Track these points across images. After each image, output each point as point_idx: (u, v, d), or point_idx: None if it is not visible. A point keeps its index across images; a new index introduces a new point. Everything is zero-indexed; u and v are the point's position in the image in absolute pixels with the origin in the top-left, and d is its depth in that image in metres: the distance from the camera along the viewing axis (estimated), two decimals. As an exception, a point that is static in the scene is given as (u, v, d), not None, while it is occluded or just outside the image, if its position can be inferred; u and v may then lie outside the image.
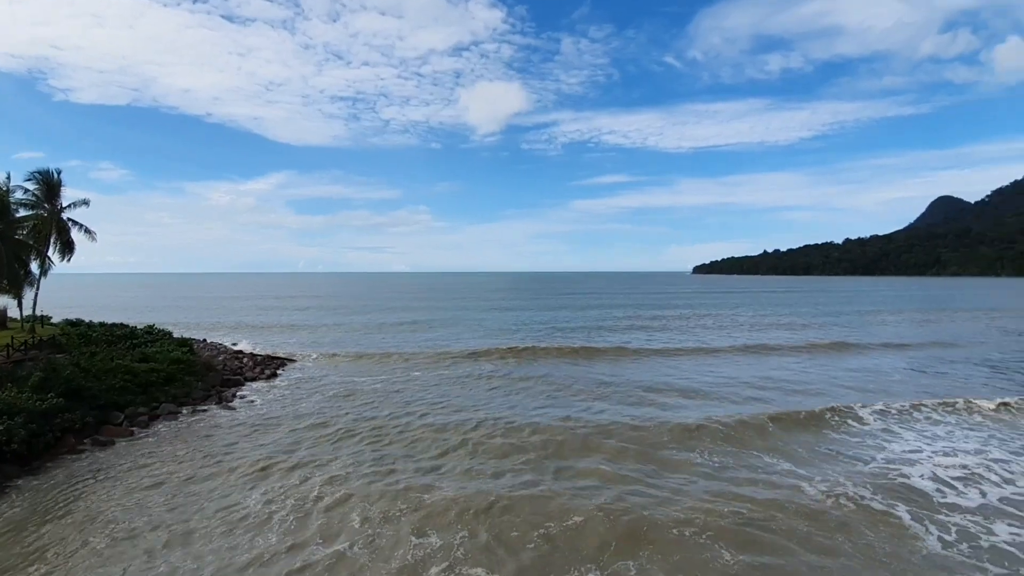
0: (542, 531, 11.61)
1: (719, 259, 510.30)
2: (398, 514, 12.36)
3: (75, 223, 31.12)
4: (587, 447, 16.89)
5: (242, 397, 24.25)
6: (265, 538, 11.48)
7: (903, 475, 14.68)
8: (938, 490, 13.87)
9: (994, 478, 14.70)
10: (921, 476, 14.64)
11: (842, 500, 13.05)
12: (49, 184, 29.87)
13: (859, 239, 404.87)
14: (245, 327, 53.08)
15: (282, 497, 13.44)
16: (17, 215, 29.14)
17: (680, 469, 15.27)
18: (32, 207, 29.83)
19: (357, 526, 11.93)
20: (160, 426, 19.86)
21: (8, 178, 28.72)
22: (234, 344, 39.81)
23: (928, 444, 17.31)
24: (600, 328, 52.52)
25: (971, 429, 19.07)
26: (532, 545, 11.15)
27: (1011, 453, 16.63)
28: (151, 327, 33.82)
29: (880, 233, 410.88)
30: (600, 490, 13.77)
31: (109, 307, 74.73)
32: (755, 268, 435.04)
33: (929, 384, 26.56)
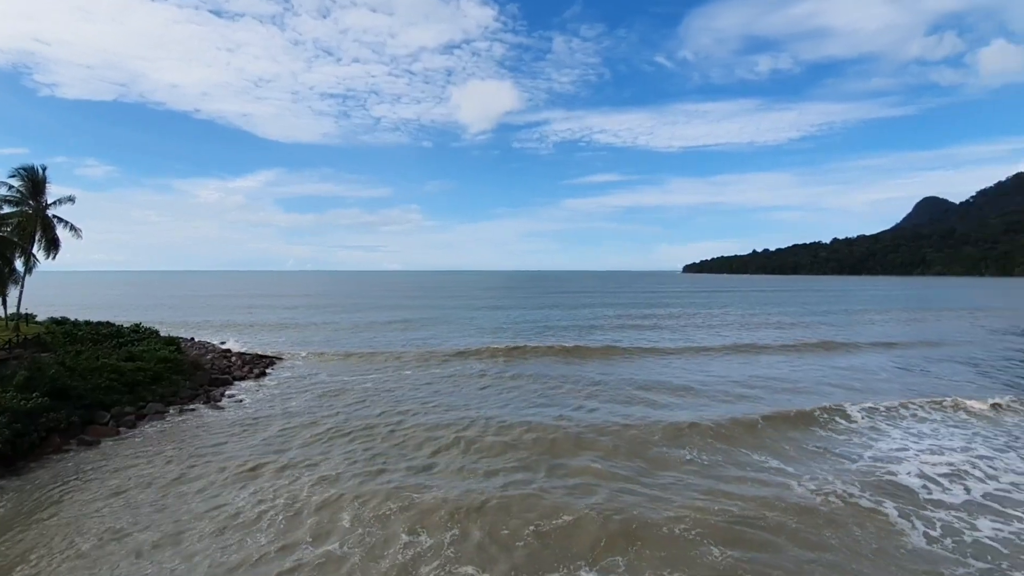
0: (534, 529, 11.63)
1: (709, 258, 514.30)
2: (389, 514, 12.31)
3: (60, 220, 30.62)
4: (579, 446, 16.93)
5: (230, 396, 24.03)
6: (255, 538, 11.39)
7: (890, 472, 14.87)
8: (924, 487, 14.07)
9: (978, 474, 14.94)
10: (908, 473, 14.84)
11: (831, 498, 13.19)
12: (34, 181, 29.36)
13: (846, 239, 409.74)
14: (233, 326, 52.59)
15: (272, 497, 13.34)
16: (1, 212, 28.64)
17: (671, 468, 15.35)
18: (16, 204, 29.31)
19: (348, 526, 11.87)
20: (147, 426, 19.63)
21: (-9, 174, 28.19)
22: (222, 343, 39.44)
23: (915, 442, 17.54)
24: (591, 327, 52.65)
25: (956, 427, 19.35)
26: (523, 544, 11.16)
27: (995, 450, 16.90)
28: (138, 326, 33.40)
29: (867, 233, 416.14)
30: (592, 489, 13.80)
31: (95, 305, 73.76)
32: (744, 267, 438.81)
33: (916, 383, 26.91)
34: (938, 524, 12.12)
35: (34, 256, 29.92)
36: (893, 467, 15.32)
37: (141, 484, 14.28)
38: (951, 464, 15.55)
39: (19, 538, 11.48)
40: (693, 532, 11.44)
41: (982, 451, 16.75)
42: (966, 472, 15.03)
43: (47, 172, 29.90)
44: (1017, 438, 18.23)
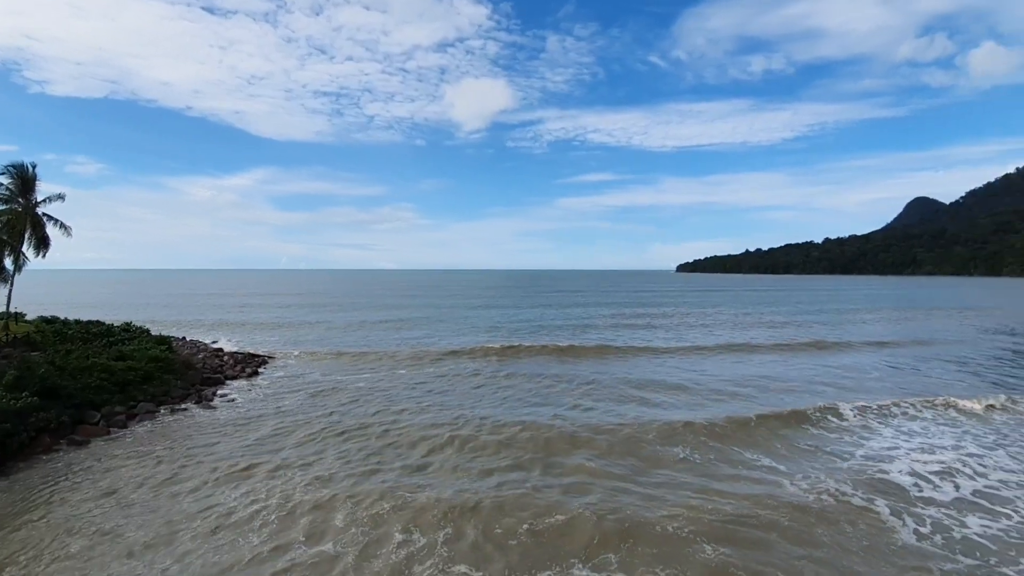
0: (528, 528, 11.64)
1: (702, 258, 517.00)
2: (383, 513, 12.28)
3: (50, 218, 30.32)
4: (573, 445, 16.96)
5: (223, 396, 23.87)
6: (248, 538, 11.32)
7: (882, 471, 15.00)
8: (915, 484, 14.20)
9: (968, 472, 15.11)
10: (899, 471, 14.97)
11: (823, 496, 13.29)
12: (24, 178, 29.06)
13: (838, 239, 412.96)
14: (226, 324, 52.27)
15: (265, 497, 13.27)
16: (-10, 210, 28.31)
17: (665, 467, 15.41)
18: (6, 202, 28.99)
19: (342, 526, 11.83)
20: (138, 426, 19.47)
21: (-20, 171, 27.87)
22: (214, 342, 39.19)
23: (906, 440, 17.70)
24: (585, 326, 52.74)
25: (947, 425, 19.54)
26: (517, 543, 11.17)
27: (984, 448, 17.08)
28: (128, 325, 33.13)
29: (858, 233, 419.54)
30: (586, 488, 13.84)
31: (85, 304, 73.06)
32: (737, 267, 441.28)
33: (907, 382, 27.15)
34: (928, 521, 12.24)
35: (23, 254, 29.62)
36: (885, 465, 15.45)
37: (132, 484, 14.16)
38: (942, 462, 15.70)
39: (8, 539, 11.36)
40: (686, 530, 11.49)
41: (972, 449, 16.92)
42: (956, 470, 15.19)
43: (37, 169, 29.61)
44: (1006, 436, 18.43)
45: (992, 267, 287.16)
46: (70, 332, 28.33)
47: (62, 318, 33.53)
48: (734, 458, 16.10)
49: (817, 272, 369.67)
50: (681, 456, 16.12)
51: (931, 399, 22.56)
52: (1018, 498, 13.54)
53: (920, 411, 21.00)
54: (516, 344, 37.90)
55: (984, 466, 15.53)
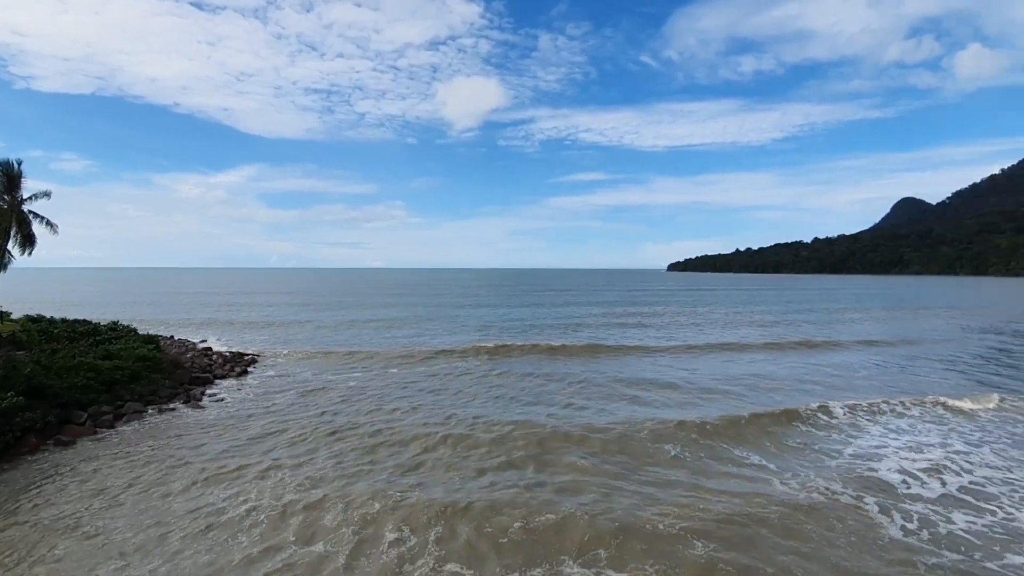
0: (520, 528, 11.64)
1: (693, 257, 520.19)
2: (375, 514, 12.22)
3: (36, 215, 29.96)
4: (566, 445, 16.98)
5: (212, 395, 23.65)
6: (238, 539, 11.23)
7: (871, 468, 15.17)
8: (903, 482, 14.38)
9: (955, 468, 15.33)
10: (888, 469, 15.14)
11: (813, 494, 13.41)
12: (9, 175, 28.69)
13: (827, 238, 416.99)
14: (214, 323, 51.81)
15: (255, 497, 13.16)
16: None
17: (656, 465, 15.48)
18: (-11, 198, 28.58)
19: (333, 526, 11.77)
20: (125, 426, 19.23)
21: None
22: (203, 341, 38.85)
23: (894, 438, 17.91)
24: (577, 325, 52.86)
25: (934, 423, 19.80)
26: (509, 541, 11.17)
27: (970, 445, 17.33)
28: (115, 323, 32.70)
29: (847, 233, 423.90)
30: (579, 487, 13.87)
31: (72, 303, 72.10)
32: (728, 266, 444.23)
33: (895, 380, 27.47)
34: (915, 517, 12.40)
35: (9, 252, 29.21)
36: (873, 463, 15.63)
37: (120, 485, 13.99)
38: (929, 459, 15.91)
39: (-8, 541, 11.17)
40: (677, 527, 11.55)
41: (958, 446, 17.16)
42: (943, 467, 15.39)
43: (23, 167, 29.22)
44: (990, 432, 18.71)
45: (977, 267, 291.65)
46: (56, 331, 27.93)
47: (48, 317, 33.06)
48: (725, 456, 16.21)
49: (806, 271, 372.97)
50: (672, 454, 16.19)
51: (919, 398, 22.85)
52: (1002, 494, 13.75)
53: (908, 409, 21.26)
54: (508, 343, 37.90)
55: (970, 463, 15.75)
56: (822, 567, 10.32)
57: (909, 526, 12.00)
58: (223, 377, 27.42)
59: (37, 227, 29.76)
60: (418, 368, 30.42)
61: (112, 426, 19.07)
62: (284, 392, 24.31)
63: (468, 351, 35.18)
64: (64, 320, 32.11)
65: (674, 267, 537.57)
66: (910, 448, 16.92)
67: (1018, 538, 11.59)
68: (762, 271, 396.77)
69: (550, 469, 15.10)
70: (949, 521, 12.30)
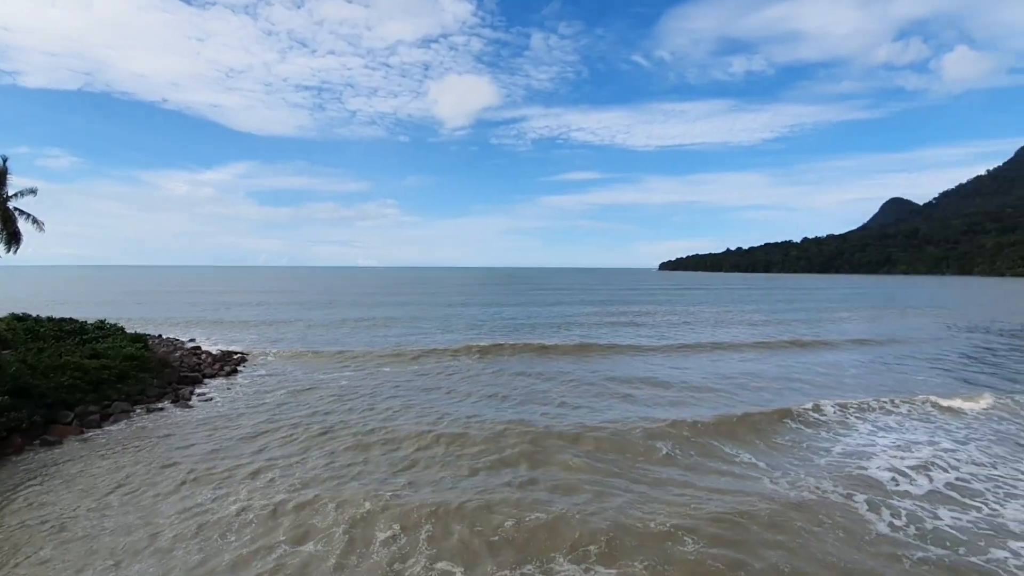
0: (512, 527, 11.65)
1: (684, 256, 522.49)
2: (367, 513, 12.17)
3: (22, 213, 29.42)
4: (558, 444, 17.01)
5: (201, 395, 23.43)
6: (229, 541, 11.15)
7: (860, 466, 15.34)
8: (892, 479, 14.55)
9: (942, 465, 15.55)
10: (877, 467, 15.32)
11: (804, 492, 13.54)
12: (-8, 171, 28.15)
13: (816, 238, 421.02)
14: (204, 322, 51.33)
15: (246, 498, 13.06)
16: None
17: (648, 464, 15.56)
18: (-27, 195, 28.09)
19: (325, 526, 11.71)
20: (113, 426, 19.00)
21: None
22: (191, 340, 38.48)
23: (883, 437, 18.13)
24: (570, 324, 52.95)
25: (921, 421, 20.05)
26: (500, 540, 11.18)
27: (957, 443, 17.57)
28: (102, 322, 32.29)
29: (836, 233, 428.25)
30: (570, 486, 13.91)
31: (58, 301, 71.18)
32: (718, 265, 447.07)
33: (883, 379, 27.78)
34: (903, 513, 12.57)
35: (-8, 250, 28.71)
36: (862, 461, 15.81)
37: (108, 485, 13.83)
38: (917, 457, 16.11)
39: (-24, 543, 11.00)
40: (668, 525, 11.62)
41: (945, 444, 17.39)
42: (931, 464, 15.60)
43: (8, 163, 28.72)
44: (976, 430, 18.98)
45: (963, 267, 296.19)
46: (42, 330, 27.54)
47: (34, 315, 32.58)
48: (716, 455, 16.32)
49: (796, 271, 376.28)
50: (664, 452, 16.27)
51: (907, 396, 23.14)
52: (987, 490, 13.96)
53: (897, 407, 21.51)
54: (500, 342, 37.87)
55: (957, 460, 15.98)
56: (810, 562, 10.43)
57: (897, 522, 12.15)
58: (212, 376, 27.18)
59: (23, 224, 29.24)
60: (410, 367, 30.34)
61: (99, 426, 18.84)
62: (274, 391, 24.14)
63: (460, 350, 35.10)
64: (50, 319, 31.67)
65: (665, 266, 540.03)
66: (898, 446, 17.12)
67: (1002, 533, 11.78)
68: (752, 270, 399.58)
69: (542, 468, 15.12)
70: (936, 517, 12.47)
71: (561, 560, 10.46)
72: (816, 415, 20.18)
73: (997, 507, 13.05)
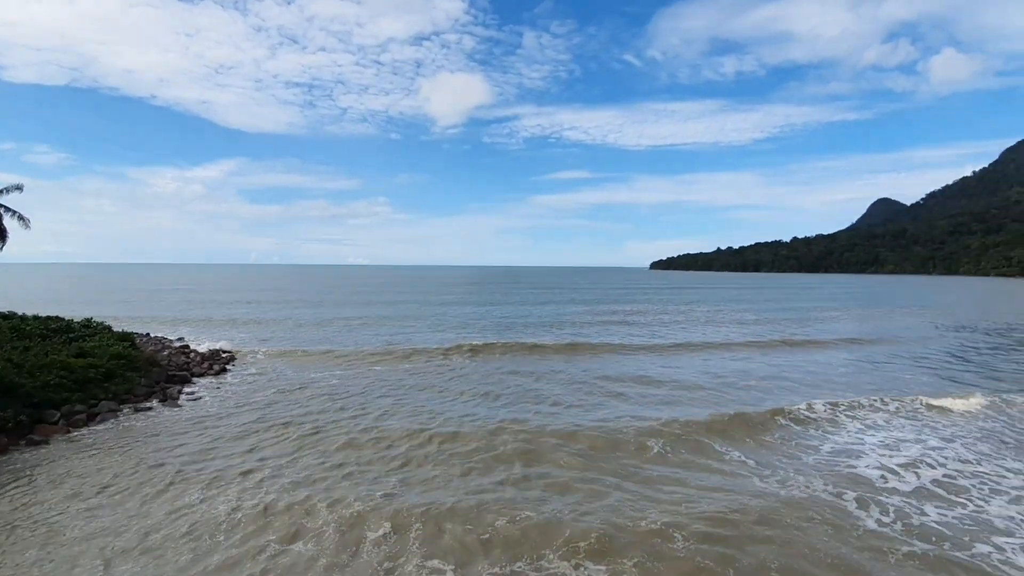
0: (505, 527, 11.65)
1: (676, 255, 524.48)
2: (359, 513, 12.13)
3: (8, 210, 28.97)
4: (551, 444, 17.02)
5: (189, 394, 23.22)
6: (220, 541, 11.06)
7: (849, 465, 15.52)
8: (881, 477, 14.73)
9: (929, 462, 15.77)
10: (866, 465, 15.51)
11: (793, 490, 13.68)
12: (-25, 167, 27.74)
13: (806, 238, 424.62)
14: (192, 321, 50.85)
15: (237, 498, 12.97)
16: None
17: (640, 463, 15.63)
18: (-44, 192, 27.63)
19: (317, 526, 11.66)
20: (100, 425, 18.78)
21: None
22: (180, 339, 38.11)
23: (872, 435, 18.33)
24: (562, 323, 53.04)
25: (910, 419, 20.30)
26: (491, 539, 11.18)
27: (944, 440, 17.81)
28: (89, 320, 31.90)
29: (825, 232, 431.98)
30: (563, 486, 13.95)
31: (44, 299, 70.12)
32: (709, 264, 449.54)
33: (872, 378, 28.08)
34: (891, 510, 12.72)
35: (-23, 247, 28.27)
36: (851, 459, 16.00)
37: (96, 485, 13.66)
38: (905, 455, 16.32)
39: (-40, 545, 10.83)
40: (659, 523, 11.69)
41: (933, 442, 17.62)
42: (919, 461, 15.81)
43: (-9, 158, 28.26)
44: (962, 427, 19.26)
45: (949, 266, 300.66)
46: (28, 328, 27.15)
47: (20, 313, 32.12)
48: (707, 453, 16.42)
49: (786, 270, 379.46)
50: (656, 451, 16.35)
51: (895, 395, 23.43)
52: (972, 487, 14.17)
53: (886, 405, 21.75)
54: (493, 341, 37.84)
55: (944, 457, 16.20)
56: (799, 558, 10.54)
57: (884, 518, 12.30)
58: (201, 375, 26.94)
59: (8, 221, 28.79)
60: (402, 366, 30.25)
61: (86, 425, 18.62)
62: (264, 390, 23.97)
63: (452, 349, 35.02)
64: (36, 317, 31.24)
65: (657, 265, 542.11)
66: (887, 444, 17.32)
67: (986, 528, 11.96)
68: (743, 270, 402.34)
69: (535, 467, 15.13)
70: (923, 513, 12.64)
71: (552, 557, 10.49)
72: (806, 414, 20.36)
73: (982, 503, 13.25)
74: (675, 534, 11.23)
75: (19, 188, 29.40)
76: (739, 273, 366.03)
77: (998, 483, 14.46)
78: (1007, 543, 11.34)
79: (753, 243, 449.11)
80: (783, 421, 19.56)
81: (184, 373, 26.53)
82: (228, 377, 26.89)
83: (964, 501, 13.37)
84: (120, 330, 31.75)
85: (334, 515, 12.02)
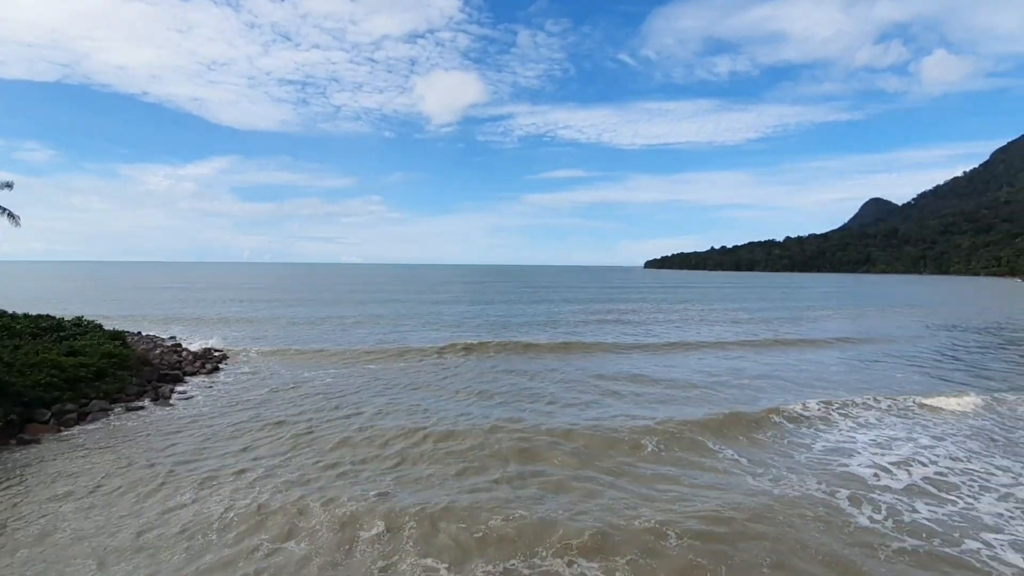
0: (500, 526, 11.65)
1: (669, 254, 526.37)
2: (353, 513, 12.09)
3: (-5, 207, 28.64)
4: (545, 444, 17.04)
5: (181, 393, 23.07)
6: (213, 541, 11.00)
7: (842, 463, 15.63)
8: (874, 475, 14.84)
9: (921, 460, 15.91)
10: (859, 464, 15.62)
11: (786, 488, 13.76)
12: (-37, 163, 27.39)
13: (798, 237, 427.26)
14: (184, 319, 50.48)
15: (230, 498, 12.90)
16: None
17: (634, 463, 15.69)
18: (-56, 188, 27.28)
19: (311, 526, 11.62)
20: (91, 425, 18.63)
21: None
22: (172, 337, 37.81)
23: (864, 434, 18.46)
24: (556, 322, 53.06)
25: (902, 418, 20.47)
26: (485, 538, 11.18)
27: (935, 439, 17.97)
28: (80, 319, 31.61)
29: (817, 232, 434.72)
30: (557, 485, 13.98)
31: (35, 298, 69.35)
32: (703, 263, 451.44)
33: (865, 377, 28.27)
34: (883, 507, 12.83)
35: (-36, 244, 27.95)
36: (844, 458, 16.11)
37: (87, 485, 13.55)
38: (897, 453, 16.47)
39: (-51, 545, 10.72)
40: (653, 521, 11.73)
41: (924, 440, 17.78)
42: (911, 459, 15.95)
43: (-21, 155, 27.94)
44: (953, 426, 19.44)
45: (940, 266, 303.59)
46: (18, 327, 26.86)
47: (10, 312, 31.79)
48: (702, 452, 16.48)
49: (778, 269, 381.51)
50: (650, 450, 16.40)
51: (887, 393, 23.63)
52: (962, 484, 14.31)
53: (878, 403, 21.93)
54: (487, 340, 37.81)
55: (936, 455, 16.34)
56: (791, 555, 10.60)
57: (876, 516, 12.40)
58: (193, 374, 26.77)
59: (-3, 219, 28.51)
60: (396, 365, 30.17)
61: (77, 425, 18.47)
62: (257, 389, 23.85)
63: (447, 348, 34.98)
64: (26, 315, 30.92)
65: (651, 264, 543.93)
66: (879, 442, 17.45)
67: (975, 525, 12.09)
68: (736, 269, 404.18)
69: (530, 465, 15.14)
70: (914, 510, 12.76)
71: (546, 555, 10.50)
72: (800, 412, 20.48)
73: (971, 500, 13.39)
74: (669, 532, 11.28)
75: (9, 186, 29.06)
76: (733, 272, 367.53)
77: (987, 480, 14.61)
78: (996, 539, 11.47)
79: (746, 242, 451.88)
80: (776, 419, 19.67)
81: (176, 372, 26.35)
82: (221, 376, 26.74)
83: (954, 498, 13.50)
84: (111, 328, 31.48)
85: (328, 514, 11.97)
